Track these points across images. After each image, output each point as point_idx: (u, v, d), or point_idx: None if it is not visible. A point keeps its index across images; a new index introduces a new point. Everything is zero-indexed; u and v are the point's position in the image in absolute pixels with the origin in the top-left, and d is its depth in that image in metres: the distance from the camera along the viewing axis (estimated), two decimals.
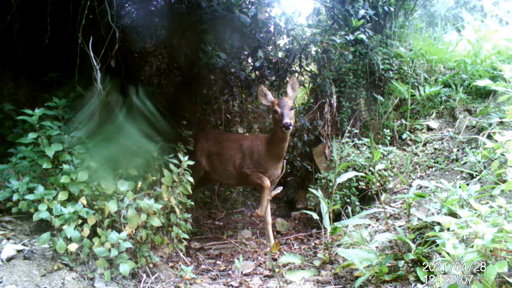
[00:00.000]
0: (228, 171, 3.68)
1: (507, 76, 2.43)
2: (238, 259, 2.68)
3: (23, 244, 2.16)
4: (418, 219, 2.24)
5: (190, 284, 2.48)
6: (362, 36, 3.98)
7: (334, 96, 4.32)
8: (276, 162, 3.48)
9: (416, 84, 4.39)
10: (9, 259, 2.00)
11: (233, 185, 4.24)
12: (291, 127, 3.09)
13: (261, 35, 4.05)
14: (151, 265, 2.47)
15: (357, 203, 3.60)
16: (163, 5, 4.54)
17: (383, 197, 2.29)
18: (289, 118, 3.10)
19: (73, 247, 2.06)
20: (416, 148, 3.98)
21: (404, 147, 4.09)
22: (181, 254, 2.86)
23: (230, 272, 2.90)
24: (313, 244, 3.44)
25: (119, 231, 2.21)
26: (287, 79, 4.45)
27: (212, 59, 3.79)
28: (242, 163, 3.57)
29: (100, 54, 2.80)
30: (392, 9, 4.48)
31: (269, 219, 3.48)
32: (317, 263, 2.67)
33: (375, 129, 4.32)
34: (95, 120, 2.48)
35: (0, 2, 3.01)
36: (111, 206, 2.27)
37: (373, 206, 3.22)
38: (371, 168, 3.61)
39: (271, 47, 4.35)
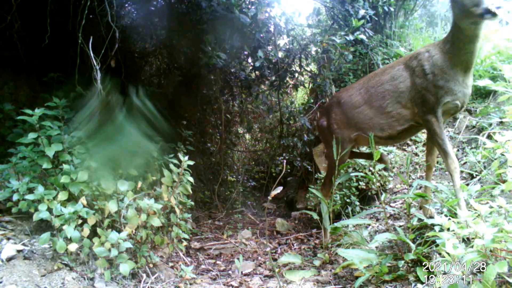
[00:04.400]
0: (389, 114, 2.56)
1: (507, 76, 2.42)
2: (238, 259, 2.67)
3: (23, 244, 2.16)
4: (418, 219, 2.24)
5: (190, 284, 2.48)
6: (362, 36, 3.98)
7: None
8: (465, 76, 2.31)
9: None
10: (9, 259, 1.99)
11: (396, 135, 2.62)
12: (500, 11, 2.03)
13: (261, 35, 4.05)
14: (151, 265, 2.47)
15: (357, 203, 3.60)
16: (163, 5, 4.54)
17: (383, 197, 2.29)
18: None
19: (73, 247, 2.06)
20: (416, 148, 3.98)
21: (404, 147, 4.09)
22: (181, 254, 2.86)
23: (230, 272, 2.90)
24: (313, 244, 3.44)
25: (119, 231, 2.21)
26: (287, 79, 4.46)
27: (212, 59, 3.79)
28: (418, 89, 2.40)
29: (100, 54, 2.80)
30: (392, 9, 4.48)
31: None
32: (317, 263, 2.67)
33: None
34: (95, 120, 2.48)
35: (0, 2, 3.01)
36: (111, 206, 2.27)
37: (373, 206, 3.23)
38: (371, 168, 3.61)
39: (271, 47, 4.35)
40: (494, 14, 2.02)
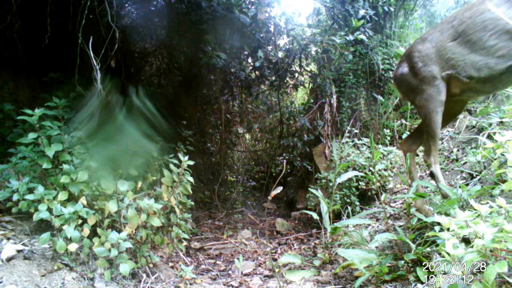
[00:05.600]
0: (491, 49, 2.06)
1: None
2: (238, 259, 2.67)
3: (23, 244, 2.16)
4: (418, 219, 2.24)
5: (190, 284, 2.48)
6: (362, 36, 3.98)
7: (334, 96, 4.32)
8: None
9: None
10: (9, 259, 1.99)
11: (498, 77, 2.13)
12: None
13: (261, 35, 4.06)
14: (151, 265, 2.47)
15: (357, 203, 3.60)
16: (163, 5, 4.55)
17: (383, 197, 2.29)
18: None
19: (73, 247, 2.06)
20: None
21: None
22: (181, 254, 2.86)
23: (230, 272, 2.90)
24: (313, 244, 3.44)
25: (119, 231, 2.21)
26: (287, 79, 4.47)
27: (212, 59, 3.79)
28: None
29: (100, 54, 2.80)
30: (392, 9, 4.48)
31: None
32: (317, 263, 2.67)
33: (375, 129, 4.32)
34: (95, 120, 2.48)
35: (0, 2, 3.01)
36: (111, 206, 2.27)
37: (373, 206, 3.23)
38: (371, 168, 3.61)
39: (271, 47, 4.35)
40: None
